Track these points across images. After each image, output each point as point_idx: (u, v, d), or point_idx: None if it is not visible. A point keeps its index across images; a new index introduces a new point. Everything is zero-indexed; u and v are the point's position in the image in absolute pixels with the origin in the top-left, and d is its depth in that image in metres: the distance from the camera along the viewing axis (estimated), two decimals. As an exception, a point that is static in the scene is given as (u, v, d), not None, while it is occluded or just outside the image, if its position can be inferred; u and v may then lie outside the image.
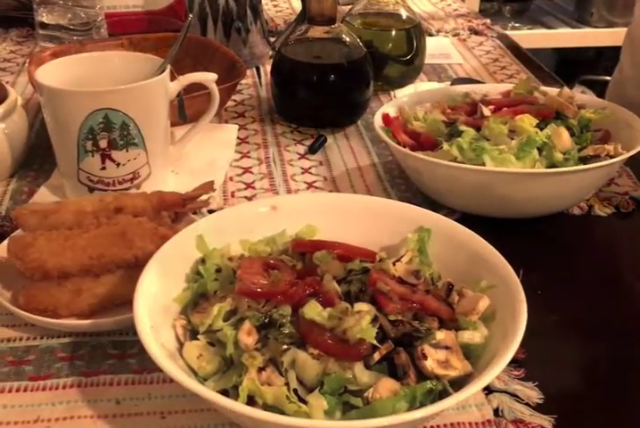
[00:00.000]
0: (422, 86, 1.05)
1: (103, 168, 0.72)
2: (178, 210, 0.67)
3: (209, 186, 0.71)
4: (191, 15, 0.80)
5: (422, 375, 0.49)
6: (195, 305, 0.54)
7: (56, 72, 0.73)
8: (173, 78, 0.76)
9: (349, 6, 1.08)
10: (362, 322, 0.48)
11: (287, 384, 0.47)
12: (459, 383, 0.48)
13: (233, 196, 0.79)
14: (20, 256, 0.59)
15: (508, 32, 1.37)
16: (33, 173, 0.83)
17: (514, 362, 0.56)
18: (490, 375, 0.46)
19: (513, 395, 0.54)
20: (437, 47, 1.20)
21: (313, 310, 0.49)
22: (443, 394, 0.47)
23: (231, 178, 0.82)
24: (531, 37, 2.11)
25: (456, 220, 0.60)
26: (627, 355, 0.60)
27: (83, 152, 0.71)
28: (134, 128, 0.71)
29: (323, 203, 0.63)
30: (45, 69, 0.73)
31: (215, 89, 0.79)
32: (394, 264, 0.55)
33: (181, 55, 0.84)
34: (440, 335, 0.50)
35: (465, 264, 0.57)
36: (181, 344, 0.52)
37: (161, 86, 0.73)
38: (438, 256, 0.58)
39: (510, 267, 0.54)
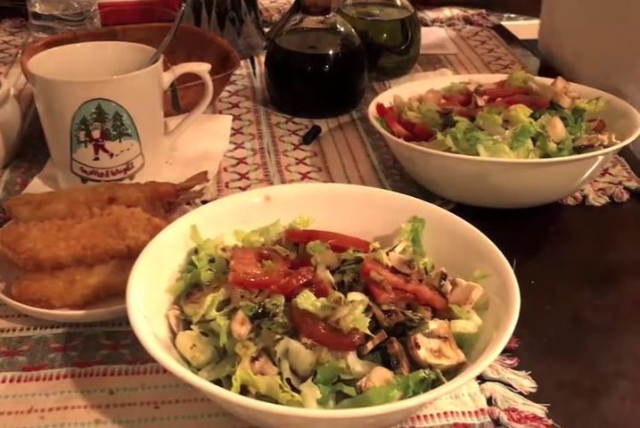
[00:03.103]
0: (416, 76, 1.05)
1: (97, 159, 0.72)
2: (172, 201, 0.67)
3: (202, 177, 0.71)
4: (184, 5, 0.80)
5: (415, 365, 0.49)
6: (188, 295, 0.54)
7: (49, 62, 0.73)
8: (166, 68, 0.75)
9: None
10: (355, 311, 0.48)
11: (280, 374, 0.47)
12: (452, 373, 0.48)
13: (227, 187, 0.79)
14: (13, 247, 0.58)
15: (504, 22, 1.37)
16: (26, 164, 0.82)
17: (507, 351, 0.57)
18: (483, 364, 0.46)
19: (506, 384, 0.54)
20: (432, 37, 1.20)
21: (306, 300, 0.49)
22: (436, 383, 0.47)
23: (225, 169, 0.82)
24: (527, 28, 2.09)
25: (451, 210, 0.60)
26: (621, 344, 0.60)
27: (76, 142, 0.71)
28: (127, 119, 0.70)
29: (316, 193, 0.62)
30: (37, 59, 0.73)
31: (208, 79, 0.79)
32: (387, 254, 0.55)
33: (174, 46, 0.84)
34: (433, 325, 0.50)
35: (459, 254, 0.57)
36: (174, 334, 0.52)
37: (154, 77, 0.73)
38: (431, 246, 0.58)
39: (503, 257, 0.54)
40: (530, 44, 1.25)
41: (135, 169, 0.74)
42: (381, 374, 0.47)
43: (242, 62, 1.04)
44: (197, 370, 0.50)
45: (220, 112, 0.95)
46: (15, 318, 0.60)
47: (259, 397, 0.46)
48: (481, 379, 0.55)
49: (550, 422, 0.51)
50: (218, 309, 0.51)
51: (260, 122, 0.93)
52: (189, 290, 0.55)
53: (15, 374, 0.55)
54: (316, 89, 0.93)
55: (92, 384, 0.54)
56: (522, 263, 0.57)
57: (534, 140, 0.71)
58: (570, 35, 1.08)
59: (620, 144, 0.70)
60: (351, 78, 0.94)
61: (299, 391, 0.46)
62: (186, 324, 0.53)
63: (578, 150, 0.72)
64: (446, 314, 0.52)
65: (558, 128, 0.72)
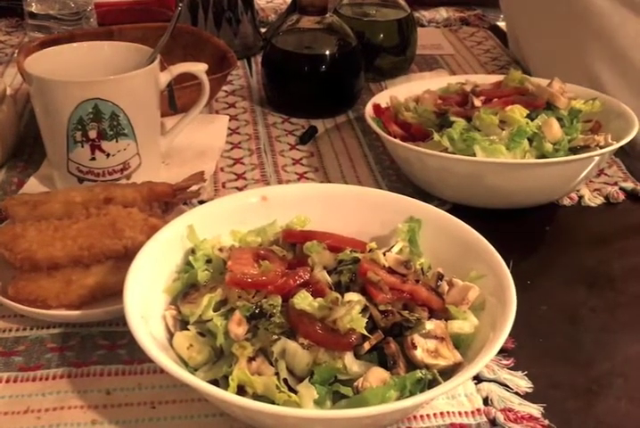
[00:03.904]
0: (413, 77, 1.05)
1: (93, 159, 0.72)
2: (169, 201, 0.67)
3: (199, 177, 0.71)
4: (181, 5, 0.79)
5: (412, 365, 0.49)
6: (185, 295, 0.54)
7: (45, 62, 0.73)
8: (163, 68, 0.75)
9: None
10: (352, 312, 0.48)
11: (277, 374, 0.47)
12: (449, 373, 0.48)
13: (224, 187, 0.79)
14: (10, 246, 0.58)
15: (500, 23, 1.37)
16: (22, 163, 0.82)
17: (504, 351, 0.57)
18: (479, 365, 0.46)
19: (503, 384, 0.54)
20: (428, 38, 1.20)
21: (303, 300, 0.49)
22: (433, 383, 0.47)
23: (222, 169, 0.82)
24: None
25: (447, 211, 0.60)
26: (616, 345, 0.60)
27: (72, 142, 0.71)
28: (123, 119, 0.70)
29: (313, 194, 0.62)
30: (34, 58, 0.72)
31: (205, 79, 0.79)
32: (384, 254, 0.55)
33: (171, 46, 0.84)
34: (430, 325, 0.50)
35: (456, 254, 0.57)
36: (171, 334, 0.52)
37: (151, 77, 0.73)
38: (428, 246, 0.58)
39: (500, 257, 0.54)
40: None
41: (131, 169, 0.74)
42: (377, 375, 0.47)
43: (238, 62, 1.04)
44: (194, 370, 0.50)
45: (217, 112, 0.95)
46: (11, 319, 0.60)
47: (256, 397, 0.46)
48: (478, 379, 0.55)
49: (546, 422, 0.51)
50: (215, 310, 0.51)
51: (257, 122, 0.93)
52: (186, 290, 0.55)
53: (11, 374, 0.54)
54: (313, 89, 0.93)
55: (88, 385, 0.54)
56: (519, 263, 0.58)
57: (530, 141, 0.72)
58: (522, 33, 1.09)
59: (616, 145, 0.70)
60: (348, 78, 0.94)
61: (295, 392, 0.46)
62: (183, 324, 0.53)
63: (574, 150, 0.72)
64: (442, 314, 0.53)
65: (554, 129, 0.72)
